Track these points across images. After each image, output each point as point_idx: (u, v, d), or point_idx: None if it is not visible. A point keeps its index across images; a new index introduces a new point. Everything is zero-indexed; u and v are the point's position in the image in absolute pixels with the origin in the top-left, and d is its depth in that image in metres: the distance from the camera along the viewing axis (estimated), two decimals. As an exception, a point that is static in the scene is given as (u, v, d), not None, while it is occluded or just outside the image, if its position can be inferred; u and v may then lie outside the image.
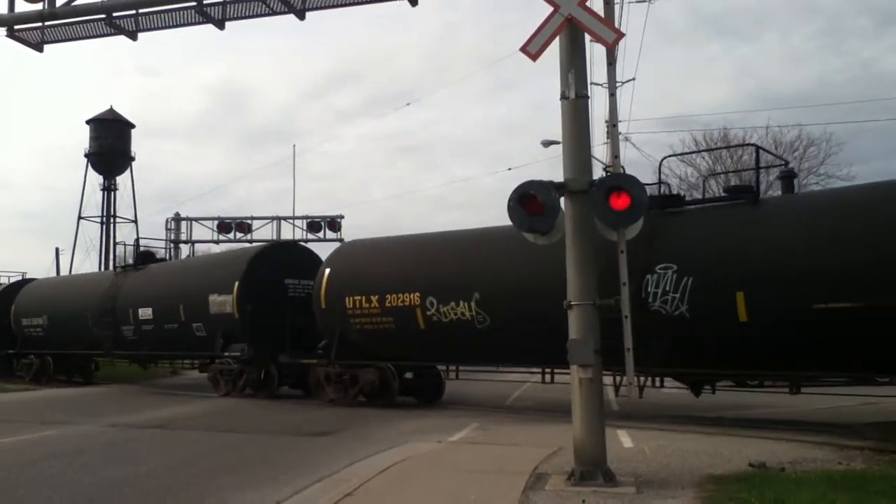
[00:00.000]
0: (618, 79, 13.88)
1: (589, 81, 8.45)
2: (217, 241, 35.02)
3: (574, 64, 7.90)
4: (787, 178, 13.95)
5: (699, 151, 40.64)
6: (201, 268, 22.27)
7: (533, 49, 7.87)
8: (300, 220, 33.69)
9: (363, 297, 15.89)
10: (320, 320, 17.03)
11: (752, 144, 13.32)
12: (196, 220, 34.67)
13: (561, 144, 8.10)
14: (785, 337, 11.23)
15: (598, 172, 10.72)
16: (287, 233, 33.34)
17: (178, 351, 21.91)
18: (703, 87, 76.27)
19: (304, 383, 17.85)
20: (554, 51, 7.93)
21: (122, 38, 12.63)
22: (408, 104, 42.10)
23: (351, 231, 36.65)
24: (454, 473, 8.47)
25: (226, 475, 8.87)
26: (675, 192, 16.79)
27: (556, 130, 8.07)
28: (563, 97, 7.91)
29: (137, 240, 48.77)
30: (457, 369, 15.55)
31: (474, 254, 15.13)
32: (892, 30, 75.91)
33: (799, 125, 41.55)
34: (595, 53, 13.34)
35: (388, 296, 15.50)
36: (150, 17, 12.29)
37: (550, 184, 7.84)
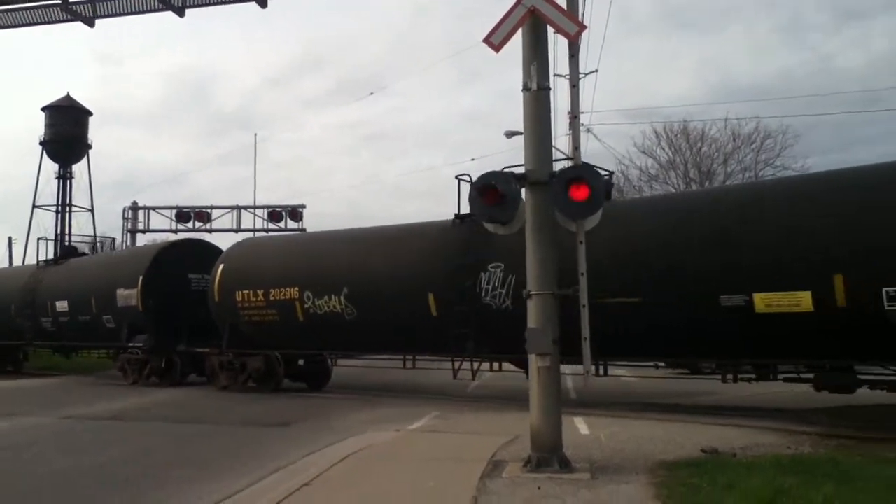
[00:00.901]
0: (580, 70, 14.05)
1: (552, 73, 8.53)
2: (175, 231, 34.55)
3: (536, 56, 7.96)
4: (608, 187, 14.00)
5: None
6: (112, 263, 23.32)
7: (496, 40, 7.90)
8: (261, 210, 33.42)
9: (251, 292, 17.18)
10: (214, 313, 18.23)
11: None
12: (154, 208, 34.17)
13: (523, 135, 8.17)
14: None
15: (563, 163, 11.06)
16: (247, 222, 33.08)
17: (91, 341, 22.89)
18: (666, 79, 77.24)
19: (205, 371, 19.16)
20: (518, 42, 7.98)
21: (80, 24, 12.40)
22: (371, 93, 42.07)
23: (313, 220, 36.47)
24: (412, 462, 8.52)
25: (182, 466, 8.80)
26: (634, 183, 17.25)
27: (521, 121, 8.13)
28: (525, 88, 7.97)
29: (94, 229, 47.74)
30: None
31: (344, 252, 16.62)
32: (850, 25, 77.60)
33: (757, 118, 42.35)
34: (558, 45, 13.52)
35: (272, 290, 16.79)
36: (108, 3, 12.10)
37: (511, 175, 7.92)
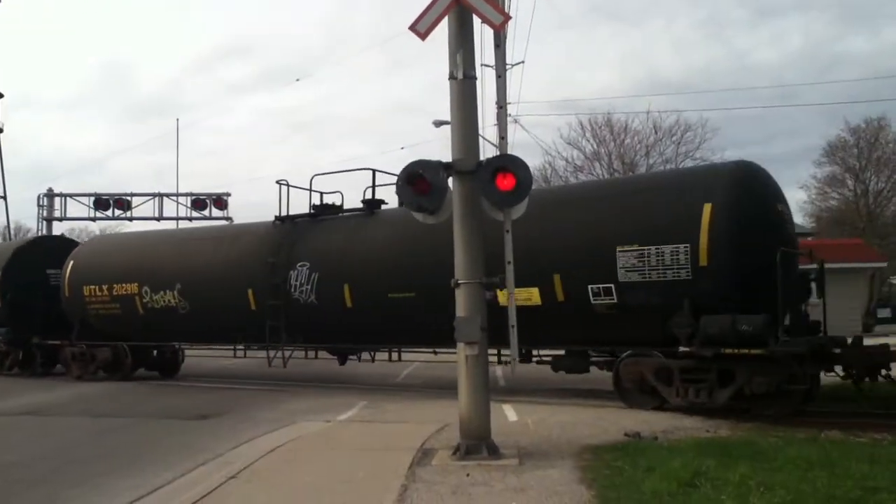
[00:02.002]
0: (507, 61, 14.21)
1: (479, 63, 8.55)
2: (94, 219, 33.39)
3: (462, 45, 7.96)
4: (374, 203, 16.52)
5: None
6: None
7: (422, 28, 7.87)
8: (184, 198, 32.58)
9: (97, 287, 18.46)
10: (65, 306, 19.28)
11: (369, 168, 15.84)
12: (71, 196, 32.88)
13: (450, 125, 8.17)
14: (371, 319, 14.32)
15: (492, 152, 11.21)
16: (170, 210, 32.20)
17: None
18: (592, 71, 78.38)
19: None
20: (445, 30, 7.96)
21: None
22: (297, 80, 41.53)
23: (239, 209, 35.83)
24: (342, 452, 8.48)
25: (105, 461, 8.56)
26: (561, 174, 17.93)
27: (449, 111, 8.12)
28: (452, 77, 7.96)
29: (7, 217, 45.73)
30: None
31: (177, 251, 18.13)
32: (766, 21, 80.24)
33: (678, 111, 43.58)
34: (485, 35, 13.61)
35: (115, 286, 18.13)
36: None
37: (438, 164, 7.93)
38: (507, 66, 13.30)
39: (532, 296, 12.29)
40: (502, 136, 8.39)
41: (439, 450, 8.06)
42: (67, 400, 14.90)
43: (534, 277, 12.08)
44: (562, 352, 12.93)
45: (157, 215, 31.90)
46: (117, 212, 32.00)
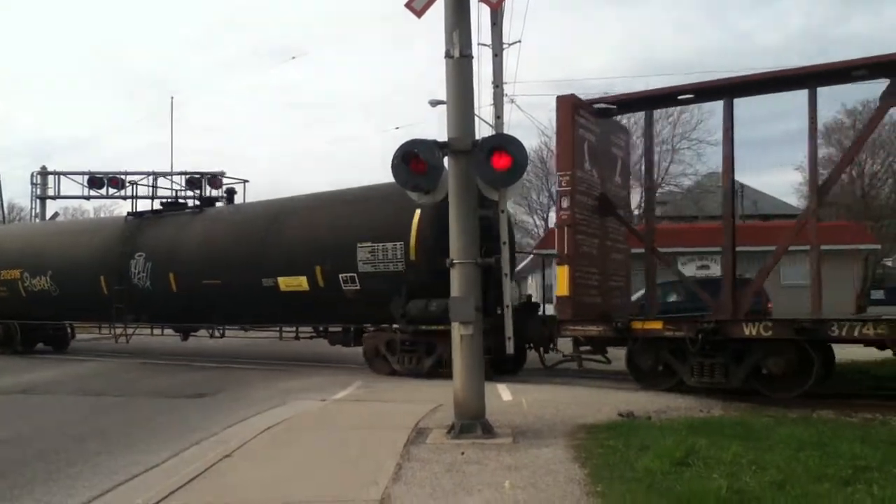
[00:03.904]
0: (504, 40, 14.09)
1: (476, 41, 8.46)
2: (88, 197, 33.21)
3: (459, 23, 7.88)
4: (229, 194, 21.23)
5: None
6: None
7: (417, 6, 7.81)
8: (178, 176, 32.38)
9: None
10: None
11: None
12: (65, 174, 32.64)
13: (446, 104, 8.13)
14: (192, 302, 17.20)
15: (488, 132, 11.26)
16: (165, 189, 31.99)
17: None
18: (591, 51, 77.98)
19: None
20: (441, 8, 7.89)
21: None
22: (293, 58, 41.05)
23: (233, 187, 35.48)
24: (337, 431, 8.51)
25: (99, 440, 8.56)
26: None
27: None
28: (448, 56, 7.90)
29: (0, 195, 45.60)
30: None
31: (51, 241, 21.08)
32: (765, 3, 79.78)
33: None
34: (482, 13, 13.55)
35: (2, 271, 21.07)
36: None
37: (434, 143, 7.88)
38: (504, 46, 13.20)
39: (301, 283, 15.18)
40: (498, 116, 8.32)
41: (434, 429, 8.10)
42: (59, 378, 14.91)
43: (301, 268, 15.08)
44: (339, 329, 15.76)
45: (151, 194, 31.70)
46: (111, 190, 31.80)
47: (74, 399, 12.17)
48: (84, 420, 10.14)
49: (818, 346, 10.52)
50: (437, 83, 7.70)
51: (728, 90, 11.69)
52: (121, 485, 6.51)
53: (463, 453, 6.96)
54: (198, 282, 16.77)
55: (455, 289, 7.87)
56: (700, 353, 10.88)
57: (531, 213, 54.71)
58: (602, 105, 12.71)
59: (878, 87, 10.79)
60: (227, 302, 16.52)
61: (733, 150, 11.70)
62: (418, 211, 13.36)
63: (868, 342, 10.49)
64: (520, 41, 22.05)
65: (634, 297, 20.13)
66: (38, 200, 32.76)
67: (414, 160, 7.75)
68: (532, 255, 14.37)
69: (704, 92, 12.25)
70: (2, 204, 52.82)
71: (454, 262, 7.88)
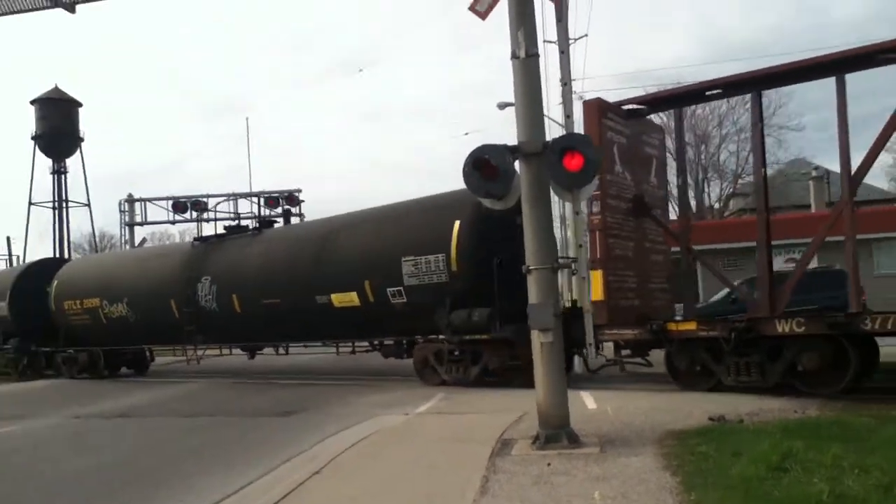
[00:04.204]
0: (570, 36, 13.95)
1: (541, 39, 8.34)
2: (173, 222, 34.46)
3: (523, 22, 7.76)
4: (286, 215, 23.15)
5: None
6: None
7: (481, 8, 7.79)
8: (257, 197, 33.30)
9: (73, 301, 22.40)
10: (53, 318, 23.02)
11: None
12: (150, 200, 34.07)
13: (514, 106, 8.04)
14: (254, 321, 17.86)
15: (558, 132, 11.22)
16: (244, 209, 32.96)
17: None
18: (660, 40, 76.41)
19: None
20: (505, 8, 7.83)
21: (63, 12, 12.28)
22: (361, 70, 41.57)
23: (311, 204, 36.38)
24: (422, 444, 8.53)
25: (192, 460, 8.83)
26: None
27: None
28: (514, 56, 7.79)
29: (92, 224, 47.72)
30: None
31: (126, 270, 22.16)
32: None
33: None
34: (547, 10, 13.49)
35: (85, 300, 21.98)
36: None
37: (504, 147, 7.76)
38: (570, 41, 13.07)
39: (353, 299, 15.62)
40: (568, 115, 8.26)
41: (518, 440, 8.02)
42: (154, 402, 15.49)
43: (352, 284, 15.53)
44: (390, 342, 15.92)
45: (233, 215, 32.70)
46: (195, 213, 32.90)
47: (169, 421, 12.61)
48: (179, 441, 10.48)
49: (856, 341, 10.31)
50: (506, 85, 7.60)
51: (754, 83, 11.66)
52: (216, 503, 6.68)
53: (549, 464, 6.85)
54: (258, 302, 17.45)
55: (532, 295, 7.76)
56: (735, 353, 10.85)
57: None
58: (632, 106, 12.75)
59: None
60: (286, 320, 17.08)
61: (764, 143, 11.68)
62: (457, 222, 13.92)
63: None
64: (586, 35, 21.76)
65: (722, 294, 19.68)
66: (126, 227, 34.19)
67: (485, 166, 7.66)
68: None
69: (733, 86, 12.18)
70: (93, 232, 55.45)
71: (530, 268, 7.77)
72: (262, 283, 17.45)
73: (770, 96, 41.14)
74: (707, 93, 12.46)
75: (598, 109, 11.87)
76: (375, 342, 16.58)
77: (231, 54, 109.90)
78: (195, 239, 20.76)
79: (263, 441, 9.77)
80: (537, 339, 7.70)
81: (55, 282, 23.20)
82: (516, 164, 7.87)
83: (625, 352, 12.54)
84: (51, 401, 17.04)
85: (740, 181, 45.41)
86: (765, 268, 11.30)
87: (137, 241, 35.41)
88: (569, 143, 7.63)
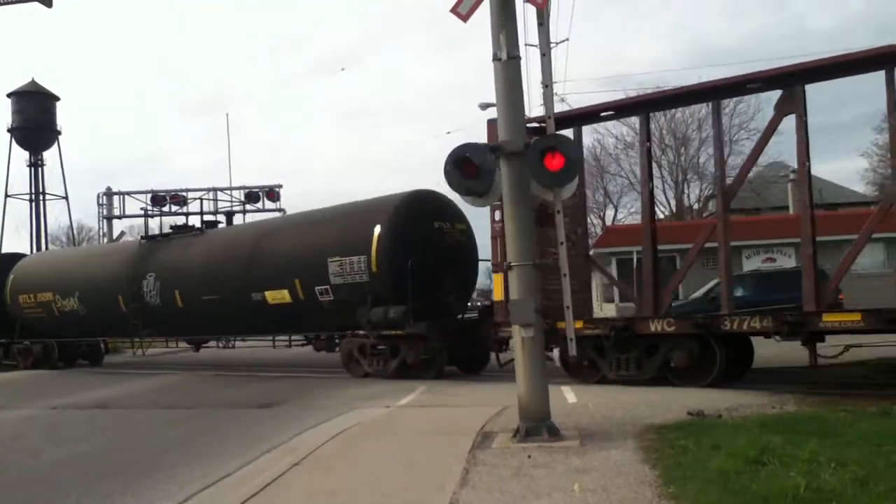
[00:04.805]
0: (551, 39, 14.12)
1: (523, 42, 8.43)
2: (151, 216, 34.14)
3: (505, 25, 7.83)
4: (229, 215, 23.97)
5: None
6: None
7: (463, 10, 7.79)
8: (237, 191, 33.11)
9: (27, 296, 23.42)
10: (9, 311, 23.98)
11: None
12: (128, 194, 33.74)
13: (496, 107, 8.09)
14: (195, 316, 18.88)
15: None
16: (225, 204, 32.74)
17: None
18: (641, 44, 76.83)
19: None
20: (487, 11, 7.87)
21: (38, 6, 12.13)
22: (343, 69, 41.44)
23: (293, 198, 36.21)
24: (403, 437, 8.54)
25: (173, 451, 8.78)
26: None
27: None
28: (496, 58, 7.86)
29: (70, 217, 47.16)
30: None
31: (77, 265, 23.29)
32: (818, -15, 77.58)
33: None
34: (528, 14, 13.66)
35: (38, 294, 23.02)
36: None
37: (486, 146, 7.85)
38: (552, 45, 13.42)
39: (285, 296, 16.66)
40: (549, 116, 8.25)
41: (499, 433, 8.06)
42: (131, 393, 15.37)
43: (284, 282, 16.57)
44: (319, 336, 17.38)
45: (212, 209, 32.48)
46: (174, 207, 32.65)
47: (148, 413, 12.52)
48: (158, 432, 10.42)
49: (723, 340, 11.29)
50: (488, 86, 7.66)
51: (644, 106, 12.99)
52: (195, 494, 6.66)
53: (530, 457, 6.90)
54: (199, 298, 18.45)
55: (514, 291, 7.83)
56: (616, 349, 11.93)
57: (587, 211, 54.19)
58: (534, 125, 13.15)
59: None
60: (225, 315, 18.18)
61: (651, 161, 13.30)
62: (378, 227, 15.14)
63: (755, 334, 11.28)
64: (567, 39, 21.96)
65: (702, 292, 19.92)
66: (104, 220, 33.86)
67: (466, 164, 7.71)
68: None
69: (624, 109, 13.61)
70: (71, 225, 54.85)
71: (511, 264, 7.84)
72: (202, 281, 18.49)
73: (749, 101, 41.63)
74: (602, 114, 13.74)
75: (496, 128, 12.36)
76: (311, 336, 17.87)
77: (214, 50, 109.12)
78: (142, 237, 21.84)
79: (243, 433, 9.74)
80: (518, 333, 7.77)
81: (11, 276, 24.11)
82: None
83: None
84: (27, 392, 16.86)
85: (720, 182, 45.75)
86: (650, 272, 12.15)
87: (116, 234, 35.10)
88: (550, 143, 7.67)
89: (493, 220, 12.97)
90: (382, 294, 14.88)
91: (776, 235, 27.64)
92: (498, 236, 12.61)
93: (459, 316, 16.19)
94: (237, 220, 27.86)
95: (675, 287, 13.10)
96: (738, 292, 20.45)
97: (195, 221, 23.89)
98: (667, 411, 8.97)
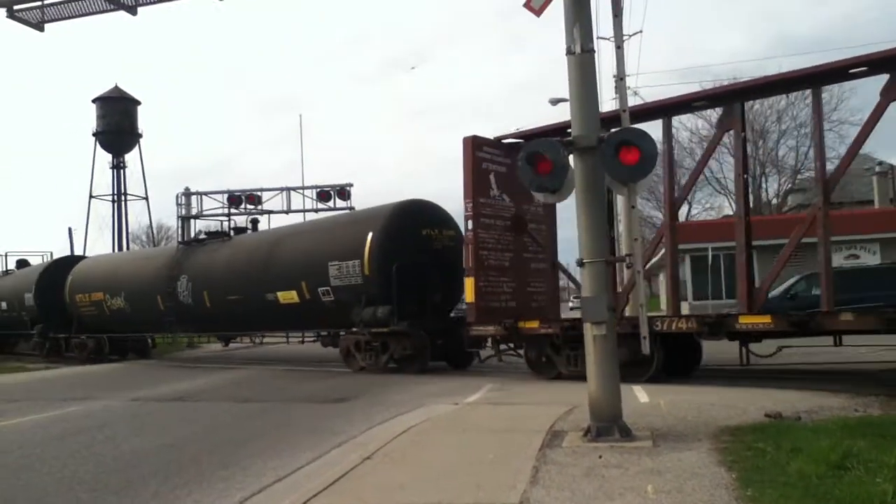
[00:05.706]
0: (625, 31, 14.02)
1: (595, 35, 8.31)
2: (228, 215, 35.04)
3: (578, 17, 7.73)
4: (254, 223, 26.04)
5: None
6: (23, 276, 31.32)
7: (536, 4, 7.75)
8: (309, 190, 33.65)
9: (83, 295, 26.51)
10: (68, 309, 27.09)
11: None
12: (206, 194, 34.65)
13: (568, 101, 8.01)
14: (221, 315, 21.31)
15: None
16: (297, 203, 33.36)
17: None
18: (718, 35, 74.90)
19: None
20: (560, 4, 7.79)
21: (124, 14, 12.58)
22: (413, 68, 41.70)
23: (362, 198, 36.75)
24: (471, 434, 8.53)
25: (247, 443, 8.99)
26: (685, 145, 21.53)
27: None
28: (569, 52, 7.77)
29: (150, 217, 48.88)
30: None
31: (124, 268, 26.51)
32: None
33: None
34: (602, 6, 13.56)
35: (92, 294, 25.98)
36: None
37: (559, 141, 7.76)
38: (626, 37, 13.37)
39: (293, 296, 18.63)
40: (623, 109, 8.13)
41: (569, 432, 7.96)
42: (207, 387, 15.83)
43: (293, 284, 18.55)
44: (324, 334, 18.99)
45: (285, 209, 33.14)
46: (249, 206, 33.42)
47: (225, 405, 12.88)
48: (234, 425, 10.70)
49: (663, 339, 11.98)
50: (559, 81, 7.58)
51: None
52: (268, 486, 6.80)
53: (601, 457, 6.79)
54: (224, 298, 20.73)
55: (586, 288, 7.72)
56: (569, 347, 12.77)
57: (659, 207, 53.17)
58: (510, 140, 14.67)
59: None
60: (246, 313, 20.35)
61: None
62: (370, 234, 16.94)
63: (682, 334, 12.04)
64: (641, 31, 21.53)
65: (782, 289, 19.32)
66: (182, 220, 34.91)
67: (539, 160, 7.65)
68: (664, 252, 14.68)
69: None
70: (151, 224, 56.83)
71: (584, 261, 7.72)
72: (227, 282, 20.72)
73: (832, 91, 40.09)
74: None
75: (472, 144, 14.09)
76: (322, 333, 19.33)
77: (286, 52, 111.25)
78: (179, 242, 24.50)
79: (315, 427, 9.90)
80: (590, 331, 7.65)
81: (70, 277, 27.17)
82: (571, 159, 7.82)
83: (503, 346, 14.52)
84: (107, 384, 17.61)
85: (799, 177, 44.31)
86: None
87: (193, 232, 36.12)
88: (625, 137, 7.52)
89: (465, 230, 14.21)
90: (374, 295, 16.60)
91: (860, 230, 26.58)
92: (469, 244, 14.03)
93: (451, 315, 17.74)
94: (310, 217, 28.42)
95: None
96: (814, 291, 19.84)
97: (265, 222, 25.95)
98: (743, 413, 8.71)
